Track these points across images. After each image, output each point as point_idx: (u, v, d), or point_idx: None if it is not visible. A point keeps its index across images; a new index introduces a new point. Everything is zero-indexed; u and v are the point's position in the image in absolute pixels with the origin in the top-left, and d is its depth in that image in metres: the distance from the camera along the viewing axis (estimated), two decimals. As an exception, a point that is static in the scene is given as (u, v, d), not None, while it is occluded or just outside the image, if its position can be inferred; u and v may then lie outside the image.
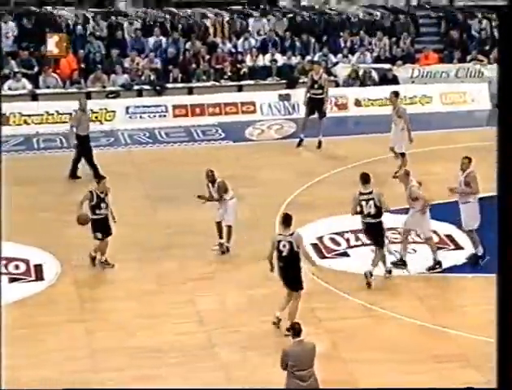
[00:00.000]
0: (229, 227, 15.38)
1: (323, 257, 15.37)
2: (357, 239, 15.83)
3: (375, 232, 14.40)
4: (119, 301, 13.76)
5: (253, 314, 13.53)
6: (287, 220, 12.72)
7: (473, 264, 15.00)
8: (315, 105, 20.70)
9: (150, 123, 22.34)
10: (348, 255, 15.48)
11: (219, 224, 15.42)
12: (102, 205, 14.59)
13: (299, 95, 23.20)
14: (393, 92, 19.43)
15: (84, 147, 18.73)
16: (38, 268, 14.66)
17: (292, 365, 10.29)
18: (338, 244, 15.83)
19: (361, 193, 14.32)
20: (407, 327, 13.12)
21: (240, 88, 24.16)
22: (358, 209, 14.27)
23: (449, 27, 25.90)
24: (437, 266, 14.63)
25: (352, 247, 15.68)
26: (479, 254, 14.95)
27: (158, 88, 23.67)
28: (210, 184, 15.37)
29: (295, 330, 10.43)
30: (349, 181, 17.98)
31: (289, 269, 12.76)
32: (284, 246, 12.63)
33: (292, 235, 12.59)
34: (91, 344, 12.54)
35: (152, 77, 23.81)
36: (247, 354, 12.46)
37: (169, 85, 23.85)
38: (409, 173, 14.90)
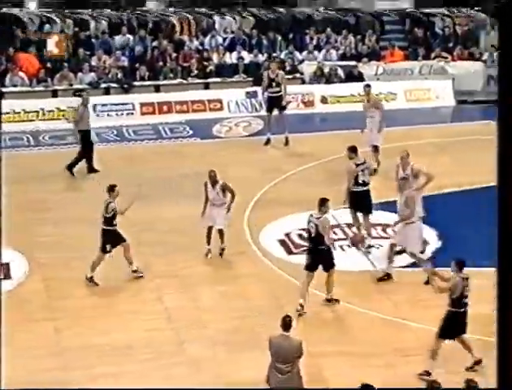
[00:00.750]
0: (221, 230, 15.31)
1: (291, 252, 15.54)
2: (324, 234, 16.07)
3: (366, 199, 15.31)
4: (88, 298, 13.81)
5: (222, 310, 13.68)
6: (320, 203, 13.41)
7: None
8: (274, 103, 20.83)
9: (118, 120, 22.36)
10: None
11: (209, 229, 15.26)
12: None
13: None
14: (367, 84, 19.65)
15: (86, 142, 19.03)
16: (5, 267, 14.65)
17: (273, 355, 10.52)
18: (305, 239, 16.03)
19: (357, 165, 15.22)
20: (372, 321, 13.32)
21: (207, 86, 24.28)
22: (353, 181, 15.08)
23: (413, 25, 26.18)
24: (385, 278, 14.64)
25: (319, 243, 15.89)
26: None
27: (125, 86, 23.72)
28: (209, 185, 15.21)
29: (285, 324, 10.58)
30: (316, 178, 18.22)
31: (316, 250, 13.44)
32: (312, 227, 13.39)
33: (319, 218, 13.19)
34: (60, 342, 12.59)
35: (119, 75, 23.84)
36: (215, 350, 12.59)
37: (136, 83, 23.90)
38: (409, 154, 15.47)
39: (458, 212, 16.06)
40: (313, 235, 13.45)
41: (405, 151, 15.64)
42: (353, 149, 15.50)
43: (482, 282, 13.61)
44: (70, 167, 18.88)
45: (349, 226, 16.03)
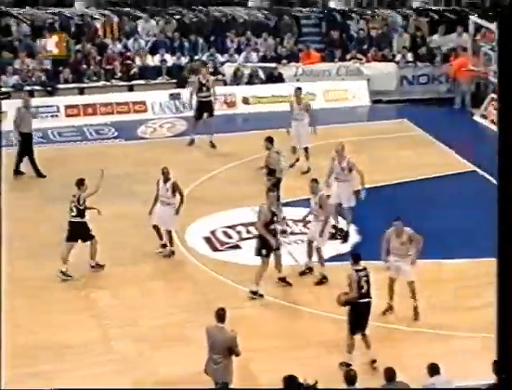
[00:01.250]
0: (169, 231, 15.55)
1: (216, 249, 15.95)
2: (249, 231, 16.45)
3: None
4: (14, 298, 13.69)
5: (150, 307, 13.93)
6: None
7: (344, 240, 16.16)
8: (204, 107, 21.04)
9: (42, 123, 22.22)
10: (240, 247, 16.07)
11: (156, 228, 15.48)
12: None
13: (189, 94, 23.88)
14: (298, 87, 20.06)
15: (27, 144, 19.14)
16: None
17: (209, 345, 11.01)
18: (230, 237, 16.43)
19: (277, 153, 16.48)
20: (296, 315, 13.76)
21: (131, 88, 24.45)
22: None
23: (329, 27, 26.80)
24: (307, 271, 15.17)
25: (244, 239, 16.28)
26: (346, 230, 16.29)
27: (49, 88, 23.75)
28: (161, 182, 15.44)
29: (219, 315, 11.07)
30: (240, 177, 18.60)
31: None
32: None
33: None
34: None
35: (43, 78, 23.88)
36: (144, 347, 12.85)
37: (60, 86, 23.95)
38: (344, 147, 16.16)
39: (375, 208, 16.64)
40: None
41: (340, 144, 16.32)
42: (269, 140, 16.65)
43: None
44: (16, 170, 19.01)
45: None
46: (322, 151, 18.22)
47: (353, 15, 26.86)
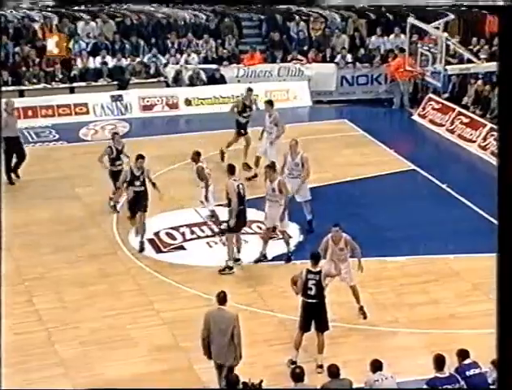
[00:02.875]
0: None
1: (160, 251, 15.96)
2: (193, 232, 16.58)
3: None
4: None
5: (92, 309, 13.92)
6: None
7: (308, 230, 16.43)
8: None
9: (-19, 126, 22.01)
10: (184, 248, 16.12)
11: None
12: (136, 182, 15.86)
13: (131, 96, 23.85)
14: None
15: (16, 148, 18.83)
16: None
17: (212, 329, 11.26)
18: (174, 238, 16.45)
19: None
20: (241, 314, 13.73)
21: (72, 90, 24.30)
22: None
23: (270, 29, 26.97)
24: (263, 259, 15.56)
25: (187, 240, 16.35)
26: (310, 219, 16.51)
27: (-13, 91, 23.47)
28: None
29: (219, 298, 11.38)
30: (183, 178, 18.62)
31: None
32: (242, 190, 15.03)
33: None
34: None
35: (-19, 81, 23.58)
36: (87, 349, 12.85)
37: (-1, 89, 23.68)
38: (298, 142, 16.45)
39: (318, 207, 16.83)
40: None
41: (293, 140, 16.59)
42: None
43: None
44: (9, 177, 18.74)
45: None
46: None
47: (295, 16, 27.01)
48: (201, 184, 16.43)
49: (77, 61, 24.89)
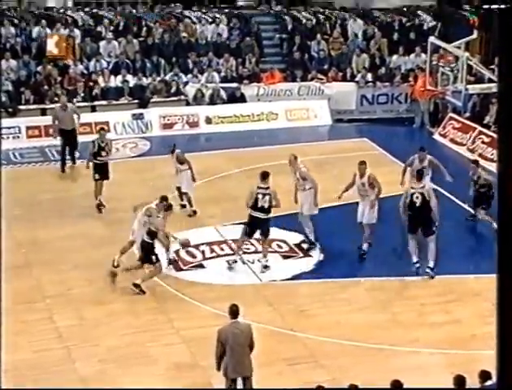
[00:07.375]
0: (186, 193, 17.76)
1: (180, 269, 15.96)
2: (212, 251, 16.59)
3: (263, 226, 15.60)
4: None
5: (112, 327, 13.91)
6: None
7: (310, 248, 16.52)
8: None
9: (4, 144, 22.16)
10: (203, 267, 16.12)
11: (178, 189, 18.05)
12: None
13: (152, 114, 23.94)
14: (292, 154, 17.59)
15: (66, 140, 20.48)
16: None
17: (229, 344, 11.17)
18: (194, 256, 16.45)
19: (259, 187, 15.49)
20: (260, 332, 13.71)
21: (93, 109, 24.46)
22: (252, 202, 15.37)
23: (290, 48, 27.06)
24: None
25: (207, 259, 16.35)
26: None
27: (10, 110, 23.67)
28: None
29: (232, 312, 11.27)
30: (204, 195, 18.65)
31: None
32: (417, 198, 15.28)
33: (423, 187, 15.05)
34: None
35: (4, 99, 23.77)
36: (106, 367, 12.81)
37: (22, 107, 23.89)
38: (297, 157, 16.38)
39: (337, 226, 16.79)
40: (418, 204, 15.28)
41: (292, 155, 16.54)
42: (262, 174, 15.74)
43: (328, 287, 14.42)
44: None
45: (235, 241, 16.57)
46: (282, 171, 18.36)
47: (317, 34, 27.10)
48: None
49: (99, 79, 25.05)
